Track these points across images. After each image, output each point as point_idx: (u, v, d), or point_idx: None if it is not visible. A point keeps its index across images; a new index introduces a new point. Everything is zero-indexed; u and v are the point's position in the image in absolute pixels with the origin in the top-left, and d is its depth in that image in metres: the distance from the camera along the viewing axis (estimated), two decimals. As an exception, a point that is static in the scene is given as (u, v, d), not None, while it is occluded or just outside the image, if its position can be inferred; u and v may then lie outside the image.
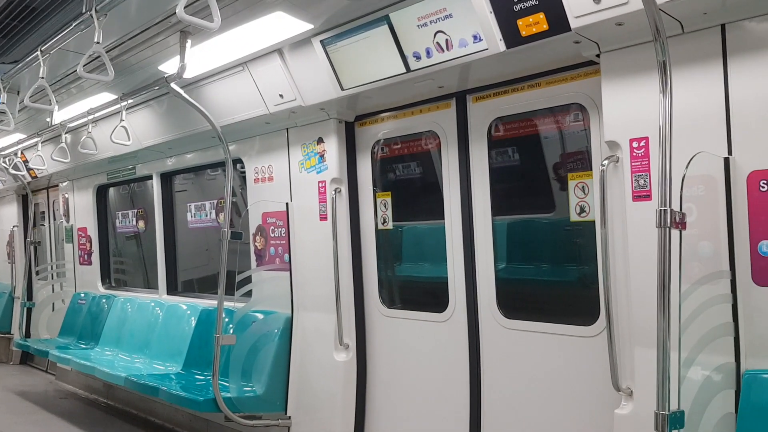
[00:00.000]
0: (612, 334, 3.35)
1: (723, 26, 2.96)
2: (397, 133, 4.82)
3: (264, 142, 5.53)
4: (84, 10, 3.60)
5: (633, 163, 3.23)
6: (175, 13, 3.94)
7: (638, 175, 3.22)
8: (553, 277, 4.26)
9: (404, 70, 3.98)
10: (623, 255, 3.34)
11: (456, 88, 4.32)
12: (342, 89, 4.35)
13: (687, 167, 2.75)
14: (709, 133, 2.99)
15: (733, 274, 2.91)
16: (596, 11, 3.05)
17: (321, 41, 4.23)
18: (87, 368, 6.29)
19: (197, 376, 5.71)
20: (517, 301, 4.22)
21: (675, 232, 2.55)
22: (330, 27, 4.12)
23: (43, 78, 4.22)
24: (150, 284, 7.81)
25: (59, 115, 6.38)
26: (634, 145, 3.23)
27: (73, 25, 3.80)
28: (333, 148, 4.89)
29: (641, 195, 3.21)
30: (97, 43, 3.63)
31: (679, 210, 2.58)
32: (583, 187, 3.77)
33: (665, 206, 2.50)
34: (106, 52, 3.86)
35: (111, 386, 7.14)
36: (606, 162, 3.34)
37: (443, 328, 4.47)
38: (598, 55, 3.41)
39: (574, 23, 3.17)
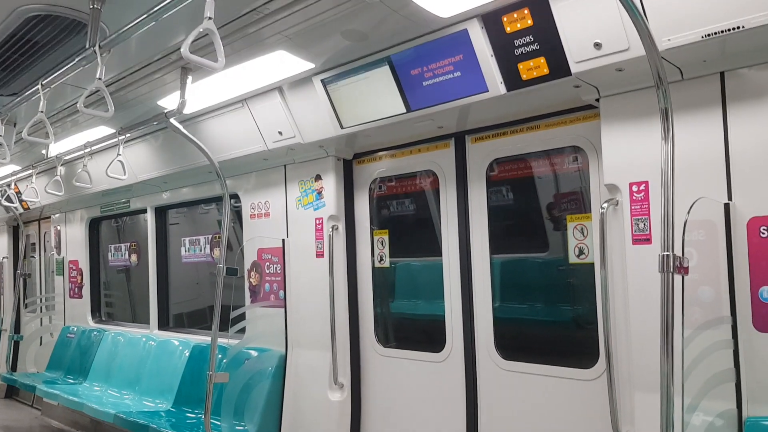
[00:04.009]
0: (612, 377, 3.33)
1: (722, 74, 3.01)
2: (395, 172, 4.84)
3: (261, 178, 5.53)
4: (87, 46, 3.59)
5: (633, 207, 3.25)
6: (176, 50, 4.03)
7: (638, 219, 3.23)
8: (551, 318, 4.24)
9: (404, 110, 4.00)
10: (623, 298, 3.34)
11: (455, 128, 4.36)
12: (341, 127, 4.37)
13: (689, 212, 2.76)
14: (709, 179, 3.01)
15: (734, 319, 2.91)
16: (597, 57, 3.10)
17: (322, 80, 4.26)
18: (75, 404, 6.16)
19: (188, 414, 5.61)
20: (516, 343, 4.19)
21: (677, 277, 2.55)
22: (331, 66, 4.16)
23: (42, 112, 4.20)
24: (138, 319, 7.71)
25: (55, 148, 6.35)
26: (634, 189, 3.25)
27: (76, 60, 3.78)
28: (331, 186, 4.90)
29: (641, 238, 3.22)
30: (99, 78, 3.62)
31: (681, 255, 2.58)
32: (582, 229, 3.78)
33: (667, 251, 2.50)
34: (106, 86, 3.86)
35: (98, 422, 6.98)
36: (606, 205, 3.36)
37: (440, 368, 4.43)
38: (597, 99, 3.45)
39: (574, 68, 3.21)
